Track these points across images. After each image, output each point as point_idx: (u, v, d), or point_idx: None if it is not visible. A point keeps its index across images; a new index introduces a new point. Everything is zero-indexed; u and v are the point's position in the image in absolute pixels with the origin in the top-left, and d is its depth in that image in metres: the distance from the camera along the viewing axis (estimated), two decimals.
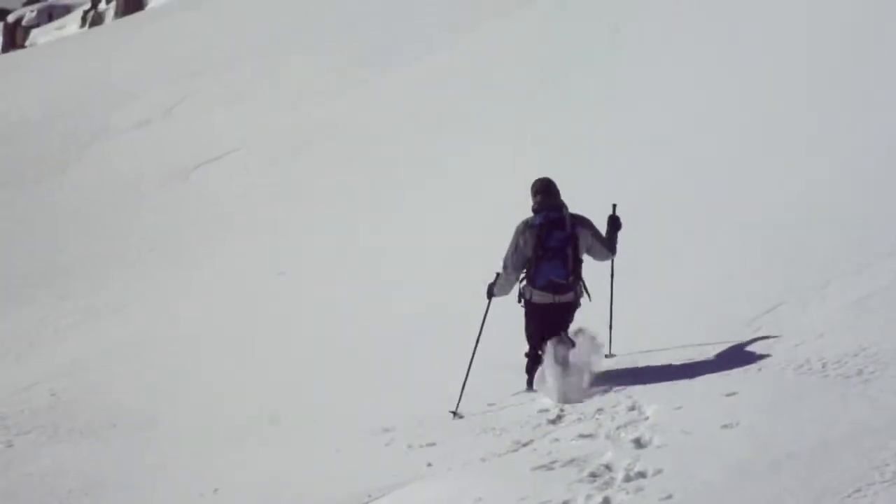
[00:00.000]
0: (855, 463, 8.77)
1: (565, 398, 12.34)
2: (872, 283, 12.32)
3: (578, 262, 12.95)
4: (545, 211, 12.94)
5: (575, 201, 12.90)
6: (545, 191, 13.07)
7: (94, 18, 78.55)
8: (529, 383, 13.12)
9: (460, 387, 13.22)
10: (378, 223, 21.29)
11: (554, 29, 28.57)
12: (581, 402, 12.03)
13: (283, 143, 25.91)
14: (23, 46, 74.53)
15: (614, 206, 13.36)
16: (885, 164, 15.95)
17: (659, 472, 9.31)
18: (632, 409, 11.10)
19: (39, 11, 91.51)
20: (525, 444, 11.17)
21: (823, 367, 10.83)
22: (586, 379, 12.47)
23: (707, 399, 10.79)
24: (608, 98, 23.50)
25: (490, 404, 12.63)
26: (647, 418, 10.76)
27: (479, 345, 13.29)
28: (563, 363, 12.53)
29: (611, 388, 11.88)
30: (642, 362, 12.44)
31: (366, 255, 19.76)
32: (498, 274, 13.16)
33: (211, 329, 17.48)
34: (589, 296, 13.11)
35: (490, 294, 13.35)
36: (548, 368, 12.57)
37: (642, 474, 9.38)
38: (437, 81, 25.62)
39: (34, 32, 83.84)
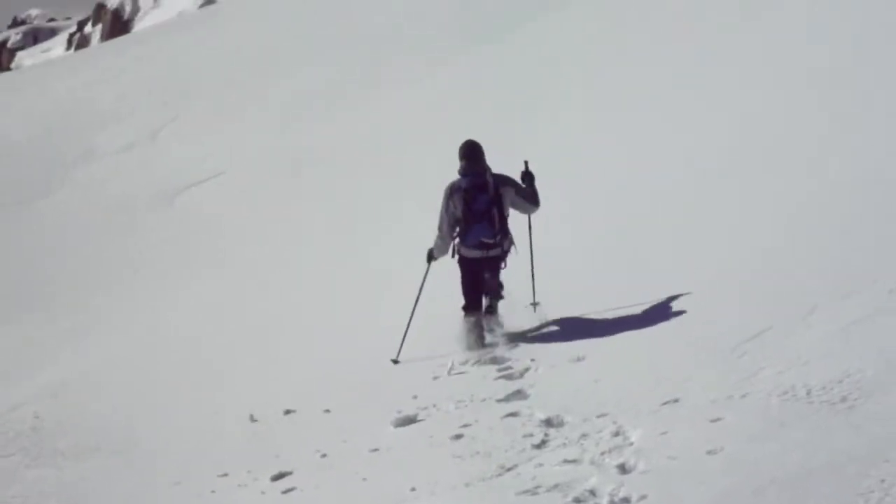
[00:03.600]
0: (838, 490, 8.67)
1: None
2: (857, 310, 12.22)
3: (504, 219, 14.60)
4: (469, 176, 14.46)
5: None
6: (469, 156, 14.63)
7: (79, 41, 78.97)
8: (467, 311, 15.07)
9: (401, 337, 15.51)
10: (364, 246, 21.36)
11: (542, 54, 28.57)
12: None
13: (268, 167, 25.89)
14: (8, 69, 74.61)
15: (526, 162, 15.07)
16: (868, 193, 15.99)
17: (643, 497, 9.21)
18: (616, 434, 10.99)
19: (25, 34, 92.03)
20: (509, 469, 11.10)
21: (808, 393, 10.71)
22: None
23: (692, 425, 10.69)
24: (607, 106, 23.40)
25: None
26: (631, 444, 10.65)
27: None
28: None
29: (595, 414, 11.82)
30: (625, 388, 12.39)
31: (352, 278, 19.82)
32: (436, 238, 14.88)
33: (194, 350, 17.40)
34: (516, 248, 15.04)
35: (430, 258, 15.22)
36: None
37: (627, 500, 9.28)
38: (424, 105, 25.54)
39: (20, 55, 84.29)
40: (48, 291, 22.93)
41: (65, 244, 25.67)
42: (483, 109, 23.44)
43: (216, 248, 22.33)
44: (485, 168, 14.58)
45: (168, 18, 62.85)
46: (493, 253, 14.69)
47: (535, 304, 15.15)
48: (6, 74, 58.61)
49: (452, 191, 14.58)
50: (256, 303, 18.90)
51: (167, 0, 69.33)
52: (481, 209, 14.48)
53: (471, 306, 14.82)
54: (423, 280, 15.52)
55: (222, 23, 49.49)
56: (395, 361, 15.58)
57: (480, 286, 14.80)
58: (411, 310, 15.57)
